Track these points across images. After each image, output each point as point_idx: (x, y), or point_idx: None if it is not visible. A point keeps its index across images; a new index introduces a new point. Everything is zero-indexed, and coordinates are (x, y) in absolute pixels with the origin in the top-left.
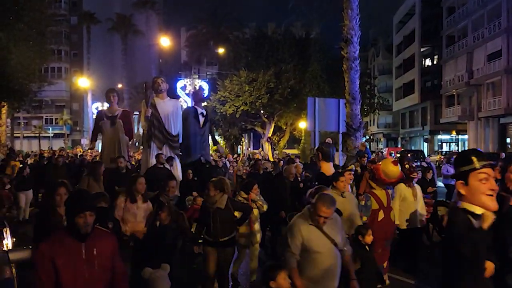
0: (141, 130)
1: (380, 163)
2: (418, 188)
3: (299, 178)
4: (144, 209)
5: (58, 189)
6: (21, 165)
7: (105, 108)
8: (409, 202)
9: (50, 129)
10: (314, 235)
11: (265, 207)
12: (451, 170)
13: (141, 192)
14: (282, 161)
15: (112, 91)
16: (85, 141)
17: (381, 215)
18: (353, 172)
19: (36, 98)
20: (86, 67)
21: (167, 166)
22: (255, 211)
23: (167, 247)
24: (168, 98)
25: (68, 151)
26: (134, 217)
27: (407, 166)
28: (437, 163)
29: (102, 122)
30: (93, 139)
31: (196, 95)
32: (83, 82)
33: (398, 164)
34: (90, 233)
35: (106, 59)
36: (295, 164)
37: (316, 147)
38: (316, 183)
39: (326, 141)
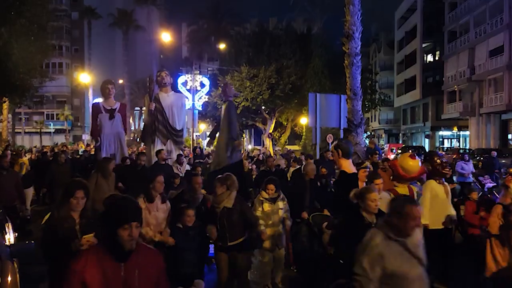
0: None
1: (397, 158)
2: (448, 185)
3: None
4: (163, 210)
5: (75, 191)
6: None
7: (100, 100)
8: (441, 200)
9: (51, 124)
10: (398, 255)
11: (288, 224)
12: (466, 167)
13: (160, 192)
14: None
15: (109, 82)
16: (86, 137)
17: None
18: (368, 170)
19: (37, 93)
20: (87, 62)
21: (172, 163)
22: (280, 212)
23: (196, 252)
24: (173, 92)
25: (69, 146)
26: (156, 219)
27: (438, 161)
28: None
29: (101, 115)
30: (96, 134)
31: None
32: (84, 77)
33: (417, 158)
34: (133, 251)
35: (107, 55)
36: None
37: (334, 143)
38: (333, 181)
39: (327, 137)
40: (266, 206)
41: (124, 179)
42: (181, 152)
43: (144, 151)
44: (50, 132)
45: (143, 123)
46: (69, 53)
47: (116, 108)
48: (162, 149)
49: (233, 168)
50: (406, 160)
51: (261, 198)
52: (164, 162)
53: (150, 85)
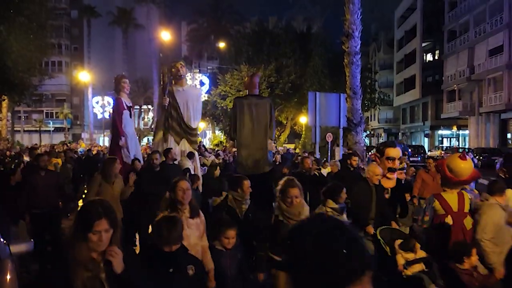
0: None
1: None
2: None
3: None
4: (197, 226)
5: (95, 222)
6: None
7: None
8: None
9: (51, 123)
10: None
11: None
12: None
13: (187, 201)
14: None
15: (124, 77)
16: (85, 135)
17: (448, 222)
18: (405, 171)
19: (37, 92)
20: (87, 61)
21: (187, 163)
22: None
23: (238, 278)
24: (188, 85)
25: (69, 145)
26: (187, 240)
27: None
28: (438, 158)
29: (124, 111)
30: (122, 133)
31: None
32: (84, 76)
33: (469, 159)
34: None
35: (106, 53)
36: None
37: (378, 143)
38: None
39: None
40: None
41: (139, 184)
42: (195, 152)
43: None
44: (49, 131)
45: (156, 120)
46: (69, 51)
47: (132, 105)
48: (171, 148)
49: (273, 173)
50: (456, 161)
51: (328, 209)
52: (172, 163)
53: (163, 77)
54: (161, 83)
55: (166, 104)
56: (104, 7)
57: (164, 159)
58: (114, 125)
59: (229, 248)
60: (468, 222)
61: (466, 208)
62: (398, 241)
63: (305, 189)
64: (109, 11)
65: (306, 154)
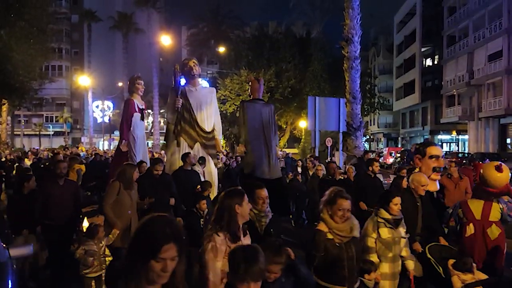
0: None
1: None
2: None
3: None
4: None
5: (163, 245)
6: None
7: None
8: None
9: (51, 127)
10: None
11: (411, 264)
12: None
13: (246, 220)
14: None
15: (139, 78)
16: (85, 139)
17: (469, 230)
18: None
19: (37, 96)
20: (87, 65)
21: (197, 168)
22: (402, 242)
23: None
24: (201, 85)
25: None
26: None
27: None
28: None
29: (136, 114)
30: (125, 137)
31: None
32: (84, 80)
33: (505, 171)
34: None
35: (107, 58)
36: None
37: (414, 146)
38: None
39: (326, 140)
40: (385, 232)
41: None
42: (209, 157)
43: (162, 157)
44: (49, 135)
45: (166, 123)
46: (69, 55)
47: (144, 108)
48: (189, 152)
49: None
50: (491, 170)
51: (380, 220)
52: (190, 168)
53: (175, 77)
54: (173, 83)
55: (179, 106)
56: (104, 12)
57: (182, 164)
58: (121, 127)
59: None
60: (493, 231)
61: (493, 217)
62: (451, 261)
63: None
64: (109, 15)
65: (312, 160)
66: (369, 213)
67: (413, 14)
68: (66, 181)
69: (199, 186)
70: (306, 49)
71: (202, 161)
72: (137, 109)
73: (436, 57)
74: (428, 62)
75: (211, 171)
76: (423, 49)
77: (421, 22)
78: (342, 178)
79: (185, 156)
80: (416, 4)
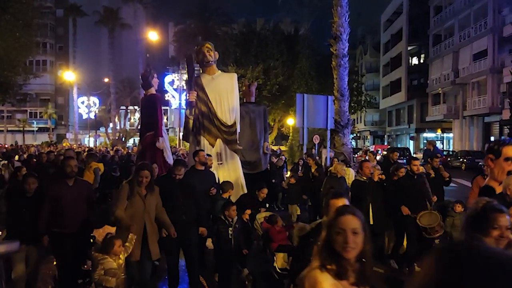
0: (127, 125)
1: None
2: None
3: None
4: None
5: None
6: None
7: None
8: None
9: (35, 123)
10: None
11: None
12: None
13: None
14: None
15: (152, 72)
16: (70, 136)
17: None
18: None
19: (21, 91)
20: (72, 60)
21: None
22: None
23: None
24: (219, 72)
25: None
26: None
27: None
28: (422, 161)
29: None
30: (161, 134)
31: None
32: (69, 75)
33: None
34: None
35: (92, 53)
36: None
37: (490, 143)
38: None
39: (313, 138)
40: None
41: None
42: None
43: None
44: (33, 131)
45: (184, 117)
46: (53, 50)
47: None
48: (202, 150)
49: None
50: None
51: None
52: (203, 168)
53: (189, 66)
54: (187, 73)
55: (194, 100)
56: (90, 7)
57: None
58: (152, 123)
59: None
60: None
61: None
62: None
63: (368, 200)
64: (95, 10)
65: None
66: (413, 219)
67: (400, 13)
68: (76, 181)
69: (213, 189)
70: (294, 47)
71: (227, 188)
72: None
73: (422, 56)
74: (414, 60)
75: (236, 170)
76: (409, 48)
77: (408, 21)
78: (380, 177)
79: (195, 154)
80: (403, 3)
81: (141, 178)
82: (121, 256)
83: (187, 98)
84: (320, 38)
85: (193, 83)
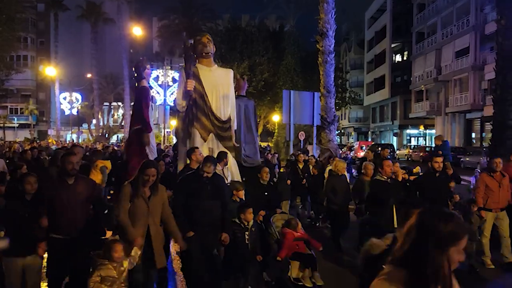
0: (111, 121)
1: None
2: None
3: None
4: None
5: None
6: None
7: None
8: None
9: (15, 119)
10: None
11: None
12: None
13: None
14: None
15: (145, 62)
16: (52, 132)
17: None
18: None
19: (2, 86)
20: (54, 55)
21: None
22: None
23: None
24: (216, 65)
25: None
26: None
27: None
28: (406, 157)
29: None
30: (150, 129)
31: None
32: (50, 71)
33: None
34: None
35: (74, 48)
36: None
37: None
38: None
39: (299, 134)
40: None
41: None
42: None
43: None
44: (13, 127)
45: (177, 112)
46: (34, 45)
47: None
48: (197, 147)
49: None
50: None
51: None
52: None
53: (186, 56)
54: (184, 62)
55: (192, 90)
56: (72, 1)
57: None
58: (141, 118)
59: None
60: None
61: None
62: None
63: (391, 201)
64: (77, 4)
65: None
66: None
67: (384, 11)
68: (78, 179)
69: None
70: (280, 43)
71: (222, 157)
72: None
73: (406, 53)
74: (398, 58)
75: (231, 169)
76: (393, 45)
77: (391, 18)
78: (404, 176)
79: (190, 152)
80: (387, 1)
81: (148, 176)
82: (124, 263)
83: (184, 87)
84: (305, 34)
85: (191, 74)
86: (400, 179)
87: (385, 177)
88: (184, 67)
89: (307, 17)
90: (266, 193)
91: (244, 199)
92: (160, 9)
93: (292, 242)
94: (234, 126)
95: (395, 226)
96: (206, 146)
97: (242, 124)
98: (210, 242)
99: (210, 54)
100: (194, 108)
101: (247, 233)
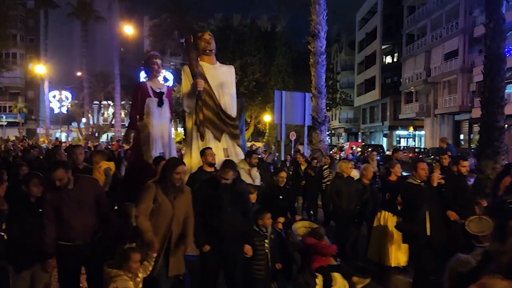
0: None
1: None
2: None
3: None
4: None
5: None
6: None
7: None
8: None
9: (4, 117)
10: None
11: None
12: None
13: None
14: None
15: (156, 56)
16: (41, 130)
17: None
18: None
19: None
20: (43, 53)
21: (243, 166)
22: None
23: None
24: (218, 63)
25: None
26: None
27: None
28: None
29: (148, 99)
30: (132, 126)
31: None
32: (40, 69)
33: None
34: None
35: (64, 46)
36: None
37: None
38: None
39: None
40: None
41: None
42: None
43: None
44: (2, 125)
45: (183, 112)
46: (24, 43)
47: (164, 92)
48: (208, 148)
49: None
50: None
51: None
52: (212, 169)
53: (189, 52)
54: (189, 59)
55: (201, 90)
56: None
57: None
58: (130, 116)
59: None
60: None
61: None
62: None
63: (424, 207)
64: (68, 2)
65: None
66: (461, 225)
67: (374, 12)
68: (80, 179)
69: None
70: (271, 43)
71: (250, 156)
72: (151, 94)
73: (396, 54)
74: (388, 59)
75: (254, 174)
76: (383, 47)
77: (382, 20)
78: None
79: (203, 153)
80: (377, 3)
81: (179, 175)
82: (139, 274)
83: (193, 87)
84: (296, 35)
85: (198, 72)
86: (435, 184)
87: (418, 181)
88: (190, 66)
89: (298, 17)
90: (281, 197)
91: (255, 203)
92: (151, 8)
93: (320, 254)
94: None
95: (428, 233)
96: (221, 146)
97: None
98: (230, 254)
99: (213, 51)
100: (205, 109)
101: (266, 241)
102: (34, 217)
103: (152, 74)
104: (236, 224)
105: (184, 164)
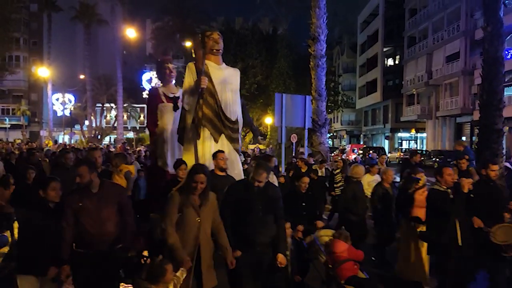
0: (103, 122)
1: None
2: None
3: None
4: None
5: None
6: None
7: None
8: None
9: (7, 120)
10: None
11: None
12: None
13: None
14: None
15: (169, 60)
16: (44, 133)
17: None
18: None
19: None
20: (46, 56)
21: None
22: None
23: None
24: (224, 64)
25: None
26: None
27: None
28: (397, 160)
29: (161, 105)
30: (153, 129)
31: None
32: (43, 72)
33: None
34: None
35: (67, 49)
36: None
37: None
38: None
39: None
40: None
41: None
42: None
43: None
44: (5, 128)
45: (181, 110)
46: (27, 46)
47: (179, 96)
48: (221, 151)
49: None
50: None
51: None
52: (224, 173)
53: (197, 51)
54: (196, 57)
55: (205, 86)
56: (65, 2)
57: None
58: (147, 123)
59: None
60: None
61: None
62: None
63: (453, 215)
64: (71, 5)
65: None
66: (485, 233)
67: (376, 15)
68: (105, 184)
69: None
70: (273, 46)
71: (268, 161)
72: (164, 99)
73: (397, 57)
74: (390, 62)
75: (240, 174)
76: (385, 49)
77: (383, 23)
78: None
79: (215, 156)
80: (379, 5)
81: (196, 183)
82: (170, 286)
83: (196, 84)
84: (297, 37)
85: (203, 70)
86: (466, 190)
87: (445, 187)
88: (196, 61)
89: (299, 20)
90: (304, 204)
91: None
92: (153, 11)
93: (349, 262)
94: (240, 128)
95: (460, 243)
96: (219, 147)
97: None
98: (262, 263)
99: (220, 51)
100: (205, 106)
101: (287, 252)
102: (49, 222)
103: (165, 80)
104: (268, 231)
105: (206, 173)
